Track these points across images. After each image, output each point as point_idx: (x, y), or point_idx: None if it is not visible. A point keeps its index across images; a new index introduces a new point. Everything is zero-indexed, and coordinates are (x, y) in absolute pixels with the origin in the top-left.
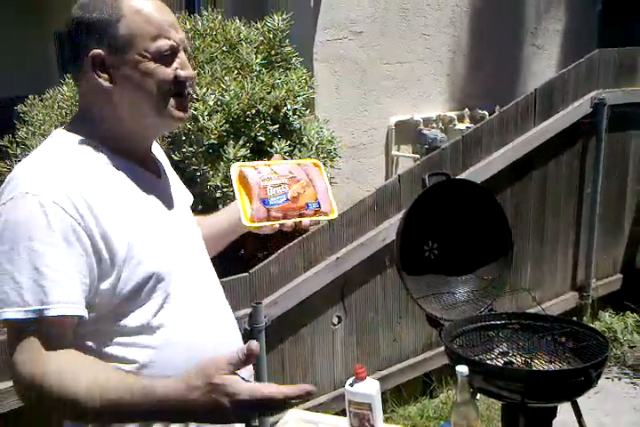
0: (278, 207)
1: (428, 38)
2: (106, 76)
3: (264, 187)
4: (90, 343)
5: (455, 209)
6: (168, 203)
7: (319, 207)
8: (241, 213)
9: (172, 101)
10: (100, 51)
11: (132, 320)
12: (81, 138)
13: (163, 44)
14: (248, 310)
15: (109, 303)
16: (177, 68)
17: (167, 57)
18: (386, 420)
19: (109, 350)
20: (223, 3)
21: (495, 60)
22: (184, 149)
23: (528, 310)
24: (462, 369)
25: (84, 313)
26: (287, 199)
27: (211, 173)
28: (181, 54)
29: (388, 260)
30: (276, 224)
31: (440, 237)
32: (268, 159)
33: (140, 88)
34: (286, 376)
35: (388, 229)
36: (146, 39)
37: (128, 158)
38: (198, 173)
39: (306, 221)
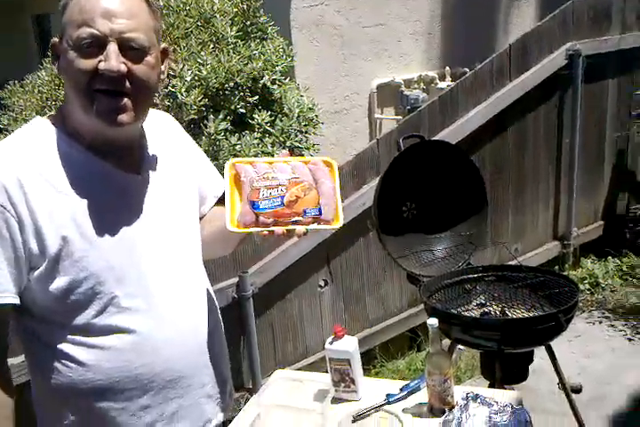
0: (269, 212)
1: None
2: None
3: (256, 188)
4: (44, 339)
5: (431, 170)
6: (142, 202)
7: (319, 214)
8: (226, 215)
9: (102, 100)
10: (56, 39)
11: (76, 319)
12: (55, 128)
13: (82, 32)
14: (235, 280)
15: (50, 299)
16: (100, 61)
17: (88, 47)
18: (375, 374)
19: (61, 347)
20: None
21: (476, 15)
22: None
23: (510, 263)
24: (432, 322)
25: (16, 301)
26: (281, 203)
27: None
28: (112, 46)
29: (370, 223)
30: (265, 231)
31: (418, 198)
32: (251, 132)
33: (67, 79)
34: (277, 341)
35: (367, 194)
36: (73, 27)
37: (99, 153)
38: None
39: (300, 229)
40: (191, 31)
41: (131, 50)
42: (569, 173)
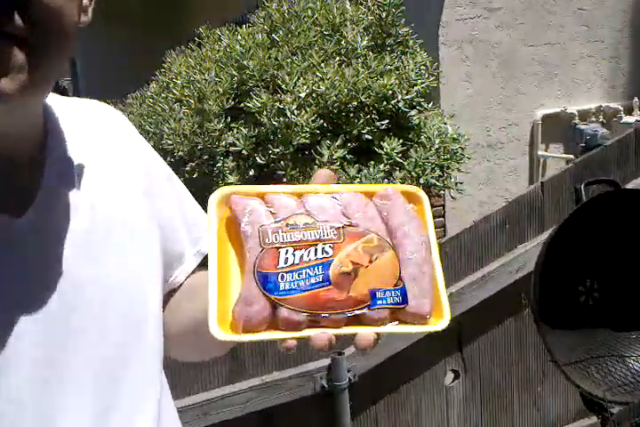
0: (300, 298)
1: (584, 13)
2: None
3: (273, 247)
4: None
5: (626, 233)
6: (26, 272)
7: (404, 303)
8: (210, 307)
9: None
10: None
11: None
12: None
13: None
14: (326, 362)
15: None
16: None
17: None
18: None
19: None
20: None
21: None
22: (270, 151)
23: None
24: None
25: None
26: (326, 280)
27: (301, 178)
28: None
29: (524, 300)
30: (288, 342)
31: (603, 274)
32: (377, 163)
33: None
34: None
35: (523, 257)
36: None
37: None
38: (285, 180)
39: (366, 334)
40: (315, 41)
41: None
42: None
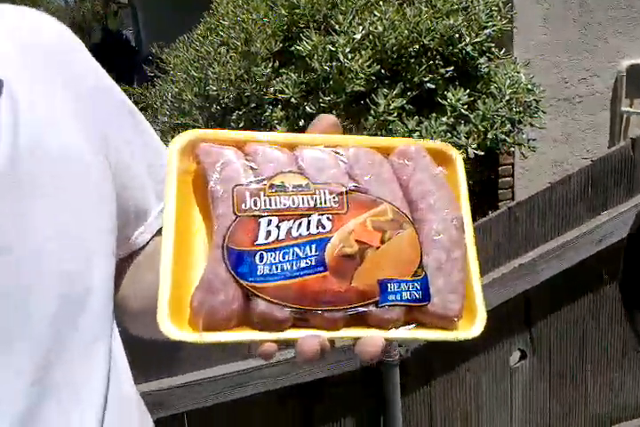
0: (281, 287)
1: None
2: None
3: (251, 217)
4: None
5: None
6: None
7: (425, 300)
8: (159, 294)
9: None
10: None
11: None
12: None
13: None
14: None
15: None
16: None
17: None
18: None
19: None
20: None
21: None
22: (320, 99)
23: None
24: None
25: None
26: (320, 266)
27: (353, 130)
28: None
29: (606, 273)
30: (265, 347)
31: None
32: (439, 115)
33: None
34: None
35: (609, 225)
36: None
37: None
38: None
39: (369, 345)
40: None
41: None
42: None
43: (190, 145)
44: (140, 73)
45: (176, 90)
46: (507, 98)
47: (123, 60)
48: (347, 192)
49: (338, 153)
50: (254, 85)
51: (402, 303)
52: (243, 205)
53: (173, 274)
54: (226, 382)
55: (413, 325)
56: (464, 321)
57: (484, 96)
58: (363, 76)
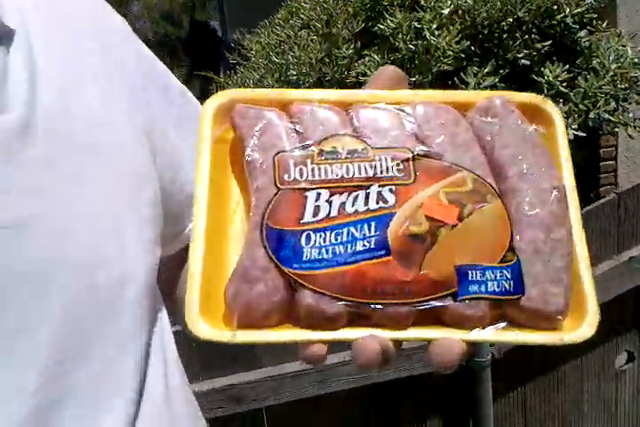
0: (333, 276)
1: None
2: None
3: (294, 186)
4: None
5: None
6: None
7: (518, 292)
8: (187, 286)
9: None
10: None
11: None
12: None
13: None
14: None
15: None
16: None
17: None
18: None
19: None
20: None
21: None
22: None
23: None
24: None
25: None
26: (381, 249)
27: None
28: None
29: None
30: (314, 348)
31: None
32: (536, 93)
33: None
34: None
35: None
36: None
37: None
38: None
39: (445, 348)
40: None
41: None
42: None
43: (227, 107)
44: (225, 61)
45: (257, 76)
46: (611, 73)
47: (208, 49)
48: (414, 158)
49: (403, 111)
50: (335, 68)
51: (487, 296)
52: (286, 176)
53: (205, 263)
54: (309, 379)
55: (504, 323)
56: (569, 319)
57: (585, 72)
58: (451, 53)
